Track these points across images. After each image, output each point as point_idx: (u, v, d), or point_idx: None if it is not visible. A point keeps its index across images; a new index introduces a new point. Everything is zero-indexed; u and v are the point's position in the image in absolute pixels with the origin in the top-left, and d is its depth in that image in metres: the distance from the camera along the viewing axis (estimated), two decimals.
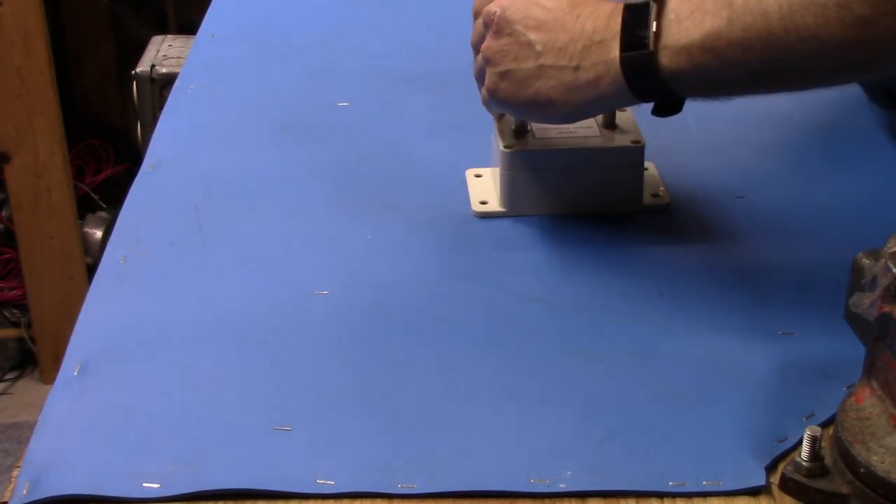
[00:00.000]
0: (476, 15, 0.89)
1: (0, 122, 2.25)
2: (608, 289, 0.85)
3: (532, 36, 0.82)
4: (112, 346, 0.79)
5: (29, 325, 2.48)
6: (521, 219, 0.93)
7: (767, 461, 0.69)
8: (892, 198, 0.95)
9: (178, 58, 1.60)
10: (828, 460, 0.66)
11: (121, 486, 0.67)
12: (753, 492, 0.67)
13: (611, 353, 0.78)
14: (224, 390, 0.75)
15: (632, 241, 0.90)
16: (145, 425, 0.72)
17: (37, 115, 2.25)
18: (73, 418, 0.73)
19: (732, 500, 0.67)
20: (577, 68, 0.80)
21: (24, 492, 0.67)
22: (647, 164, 0.94)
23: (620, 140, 0.92)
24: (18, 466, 0.69)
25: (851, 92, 1.07)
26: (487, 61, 0.85)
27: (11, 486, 0.68)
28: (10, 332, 2.53)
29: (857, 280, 0.67)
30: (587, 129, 0.93)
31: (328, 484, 0.68)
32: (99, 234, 2.51)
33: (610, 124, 0.93)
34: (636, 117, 0.94)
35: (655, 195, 0.95)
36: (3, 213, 2.48)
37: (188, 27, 2.45)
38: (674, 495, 0.67)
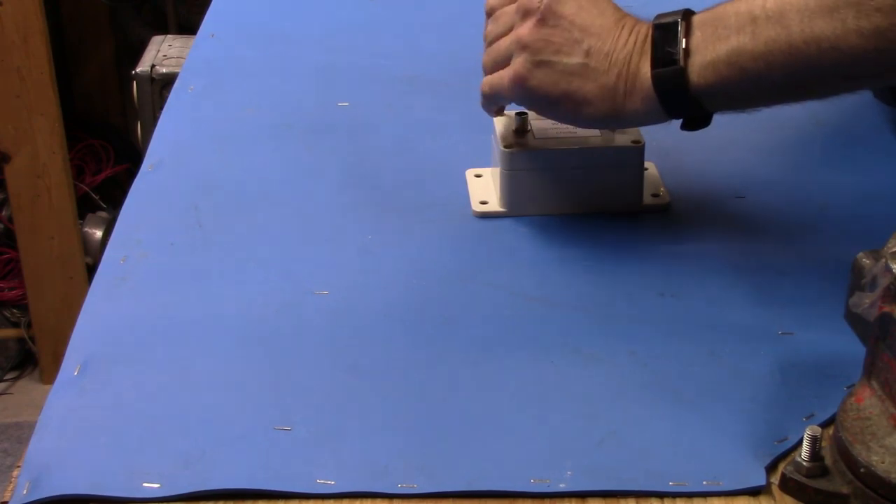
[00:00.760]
0: (492, 9, 0.89)
1: (0, 122, 2.25)
2: (608, 289, 0.85)
3: (579, 35, 0.82)
4: (112, 346, 0.79)
5: (29, 325, 2.48)
6: (521, 219, 0.93)
7: (767, 461, 0.69)
8: (893, 198, 0.95)
9: (178, 58, 1.61)
10: (828, 460, 0.66)
11: (121, 486, 0.67)
12: (753, 492, 0.67)
13: (611, 353, 0.78)
14: (224, 390, 0.75)
15: (632, 241, 0.90)
16: (145, 425, 0.72)
17: (37, 115, 2.25)
18: (73, 418, 0.73)
19: (732, 500, 0.67)
20: (618, 75, 0.81)
21: (25, 491, 0.67)
22: (647, 164, 0.94)
23: (620, 140, 0.92)
24: (18, 466, 0.69)
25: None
26: (524, 47, 0.84)
27: (11, 485, 0.68)
28: (10, 332, 2.53)
29: (857, 280, 0.67)
30: (587, 130, 0.93)
31: (328, 484, 0.68)
32: (99, 234, 2.51)
33: None
34: None
35: (655, 195, 0.95)
36: (3, 213, 2.48)
37: (188, 27, 2.46)
38: (674, 495, 0.67)
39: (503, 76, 0.86)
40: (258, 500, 0.67)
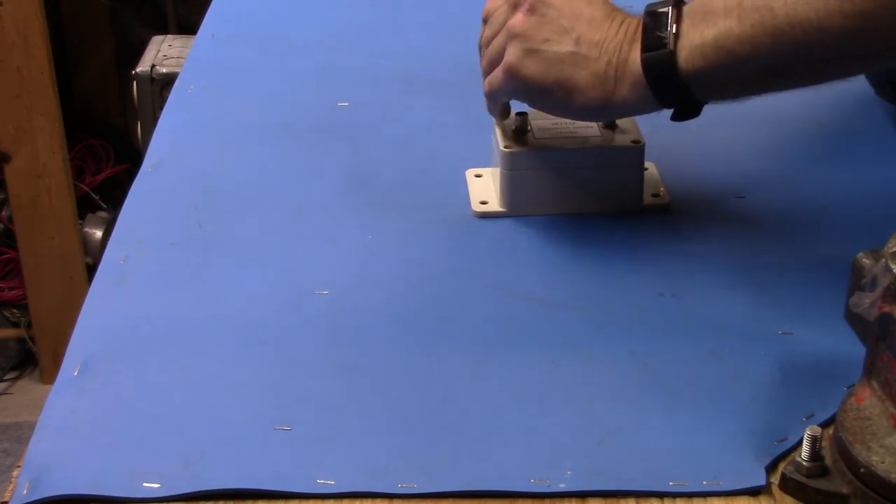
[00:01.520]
0: (488, 14, 0.89)
1: (0, 122, 2.25)
2: (608, 289, 0.85)
3: (568, 24, 0.83)
4: (112, 346, 0.79)
5: (29, 325, 2.48)
6: (521, 219, 0.93)
7: (767, 461, 0.69)
8: (893, 198, 0.95)
9: (178, 58, 1.61)
10: (828, 460, 0.66)
11: (121, 486, 0.67)
12: (753, 492, 0.67)
13: (611, 353, 0.78)
14: (224, 390, 0.75)
15: (632, 241, 0.90)
16: (145, 425, 0.72)
17: (37, 115, 2.25)
18: (73, 418, 0.73)
19: (732, 500, 0.67)
20: (608, 62, 0.82)
21: (25, 491, 0.67)
22: (647, 164, 0.94)
23: (620, 140, 0.92)
24: (18, 466, 0.69)
25: (854, 90, 1.07)
26: (514, 36, 0.84)
27: (12, 485, 0.68)
28: (10, 332, 2.53)
29: (857, 280, 0.67)
30: (587, 129, 0.93)
31: (328, 484, 0.68)
32: (99, 234, 2.51)
33: (610, 124, 0.93)
34: (636, 117, 0.94)
35: (655, 195, 0.95)
36: (3, 213, 2.48)
37: (188, 27, 2.45)
38: (674, 495, 0.67)
39: (497, 73, 0.86)
40: (258, 500, 0.67)
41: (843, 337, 0.71)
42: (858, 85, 1.06)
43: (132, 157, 2.65)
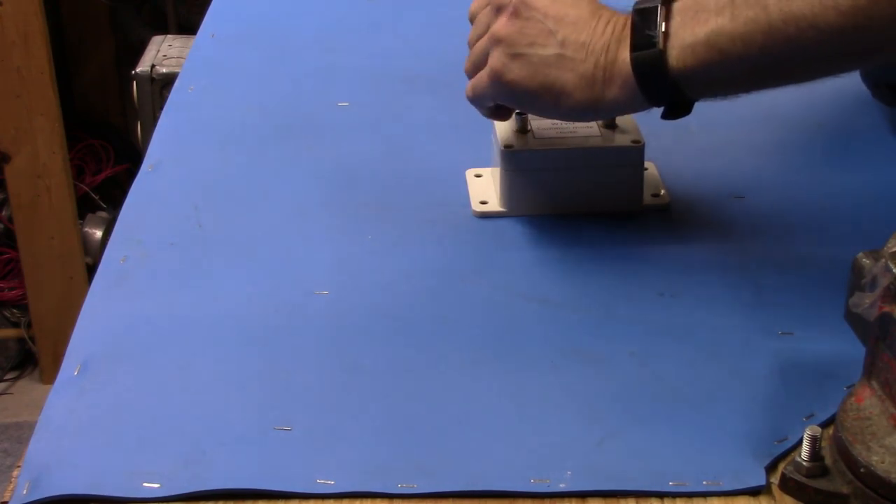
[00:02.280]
0: (473, 15, 0.89)
1: (0, 122, 2.25)
2: (608, 289, 0.85)
3: (553, 26, 0.82)
4: (112, 346, 0.79)
5: (29, 325, 2.48)
6: (521, 219, 0.93)
7: (767, 461, 0.69)
8: (893, 198, 0.95)
9: (178, 58, 1.61)
10: (828, 460, 0.66)
11: (121, 486, 0.67)
12: (753, 492, 0.67)
13: (611, 353, 0.78)
14: (224, 390, 0.75)
15: (632, 241, 0.90)
16: (145, 425, 0.72)
17: (37, 115, 2.25)
18: (73, 418, 0.73)
19: (732, 500, 0.67)
20: (595, 63, 0.81)
21: (25, 491, 0.67)
22: (647, 164, 0.94)
23: (620, 140, 0.92)
24: (18, 466, 0.69)
25: (853, 90, 1.07)
26: (498, 41, 0.84)
27: (11, 485, 0.68)
28: (10, 332, 2.53)
29: (857, 280, 0.67)
30: (587, 129, 0.93)
31: (328, 484, 0.68)
32: (99, 234, 2.51)
33: (610, 124, 0.93)
34: (636, 117, 0.94)
35: (655, 195, 0.95)
36: (3, 213, 2.48)
37: (188, 27, 2.46)
38: (674, 495, 0.67)
39: (482, 75, 0.86)
40: (258, 500, 0.67)
41: (843, 337, 0.71)
42: (857, 85, 1.06)
43: (132, 157, 2.65)
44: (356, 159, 1.02)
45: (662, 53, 0.78)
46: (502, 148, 0.91)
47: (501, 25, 0.84)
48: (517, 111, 0.92)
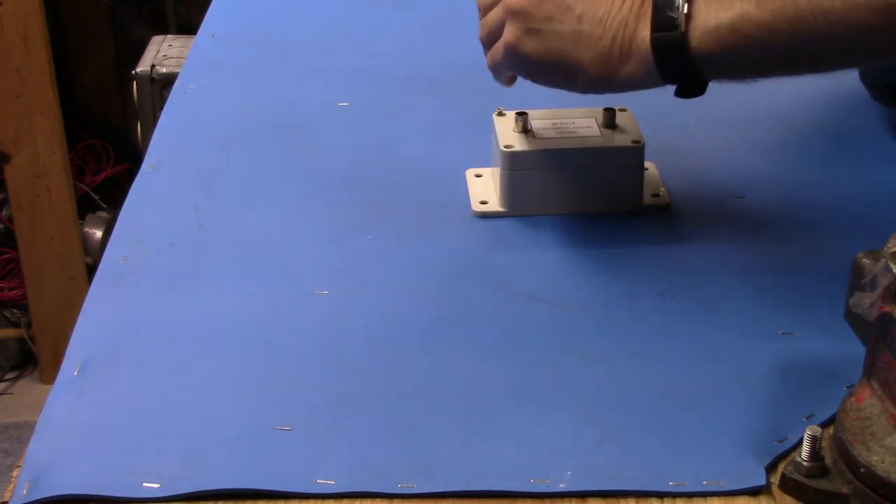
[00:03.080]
0: (482, 4, 0.87)
1: (0, 122, 2.25)
2: (608, 289, 0.85)
3: (570, 0, 0.81)
4: (112, 346, 0.79)
5: (29, 325, 2.48)
6: (521, 219, 0.93)
7: (767, 461, 0.69)
8: (893, 198, 0.95)
9: (178, 58, 1.61)
10: (828, 460, 0.66)
11: (121, 486, 0.67)
12: (753, 492, 0.67)
13: (611, 353, 0.78)
14: (224, 390, 0.75)
15: (632, 241, 0.90)
16: (145, 425, 0.72)
17: (37, 115, 2.25)
18: (73, 418, 0.73)
19: (732, 500, 0.67)
20: (612, 39, 0.80)
21: (25, 491, 0.67)
22: (647, 164, 0.94)
23: (620, 140, 0.92)
24: (18, 466, 0.69)
25: (853, 91, 1.07)
26: (514, 15, 0.82)
27: (11, 485, 0.68)
28: (10, 332, 2.53)
29: (857, 280, 0.67)
30: (587, 129, 0.93)
31: (328, 484, 0.68)
32: (99, 234, 2.51)
33: (610, 124, 0.93)
34: (636, 117, 0.94)
35: (655, 195, 0.95)
36: (3, 213, 2.48)
37: (188, 27, 2.45)
38: (674, 495, 0.67)
39: (497, 48, 0.85)
40: (258, 500, 0.67)
41: (843, 337, 0.71)
42: (857, 86, 1.06)
43: (132, 157, 2.65)
44: (356, 159, 1.02)
45: (684, 35, 0.77)
46: (502, 148, 0.91)
47: (516, 0, 0.82)
48: (517, 111, 0.92)
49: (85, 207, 2.56)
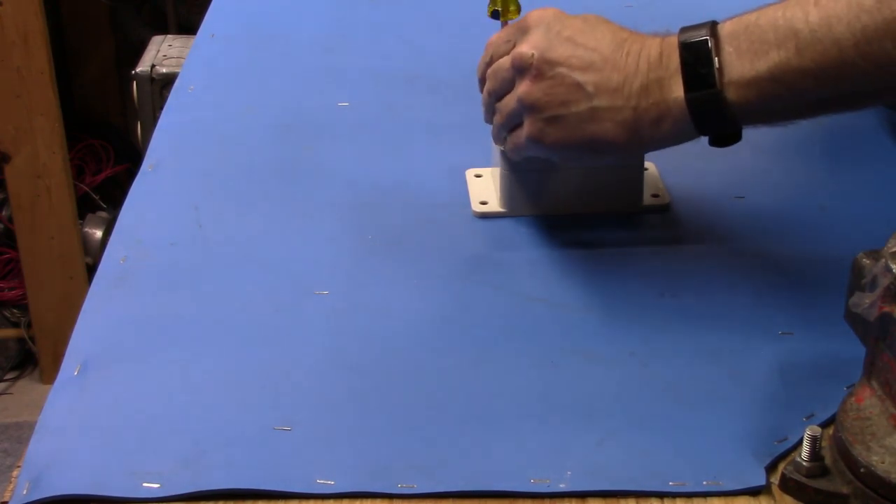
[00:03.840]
0: (493, 50, 0.85)
1: (0, 122, 2.25)
2: (608, 289, 0.85)
3: (580, 77, 0.79)
4: (112, 346, 0.79)
5: (29, 325, 2.48)
6: (521, 219, 0.93)
7: (767, 461, 0.69)
8: (892, 198, 0.95)
9: (178, 58, 1.61)
10: (828, 460, 0.66)
11: (121, 486, 0.67)
12: (753, 492, 0.67)
13: (611, 353, 0.78)
14: (224, 390, 0.75)
15: (632, 241, 0.90)
16: (145, 425, 0.72)
17: (37, 115, 2.25)
18: (73, 418, 0.73)
19: (732, 500, 0.67)
20: (635, 108, 0.78)
21: (25, 492, 0.67)
22: (647, 164, 0.94)
23: None
24: (18, 466, 0.69)
25: None
26: (530, 108, 0.81)
27: (11, 486, 0.68)
28: (10, 332, 2.53)
29: (857, 280, 0.67)
30: None
31: (328, 484, 0.68)
32: (99, 234, 2.51)
33: None
34: None
35: (655, 195, 0.95)
36: (3, 213, 2.48)
37: (188, 27, 2.46)
38: (674, 495, 0.67)
39: (520, 136, 0.83)
40: (258, 500, 0.67)
41: (843, 337, 0.71)
42: None
43: (132, 157, 2.65)
44: (356, 159, 1.02)
45: (720, 91, 0.75)
46: (502, 148, 0.91)
47: (528, 90, 0.80)
48: None
49: (85, 207, 2.56)
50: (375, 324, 0.81)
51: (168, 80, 1.55)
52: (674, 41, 0.77)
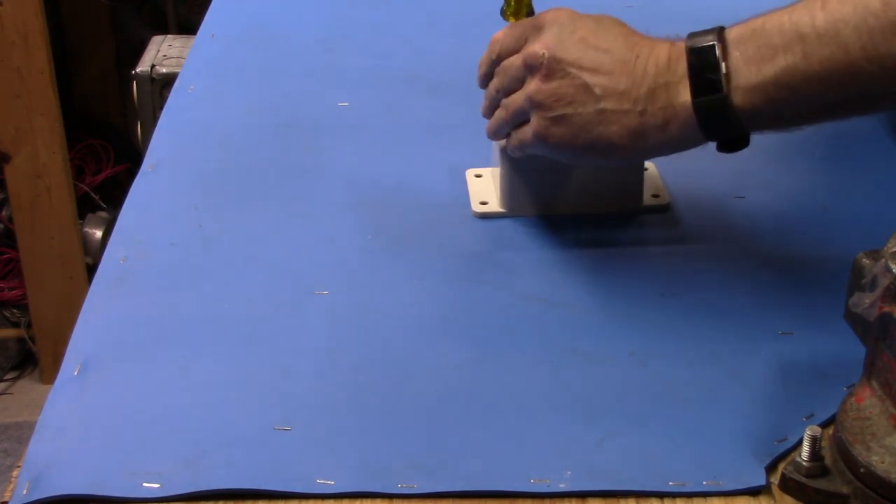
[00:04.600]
0: (501, 47, 0.85)
1: (0, 122, 2.25)
2: (608, 289, 0.85)
3: (589, 79, 0.79)
4: (112, 346, 0.79)
5: (29, 325, 2.48)
6: (521, 219, 0.93)
7: (767, 461, 0.69)
8: (892, 198, 0.95)
9: (178, 58, 1.61)
10: (828, 460, 0.66)
11: (121, 486, 0.67)
12: (753, 492, 0.67)
13: (611, 353, 0.78)
14: (224, 390, 0.75)
15: (632, 241, 0.90)
16: (145, 425, 0.72)
17: (37, 115, 2.25)
18: (73, 418, 0.73)
19: (732, 500, 0.67)
20: (642, 112, 0.78)
21: (25, 492, 0.67)
22: (647, 164, 0.94)
23: None
24: (18, 466, 0.69)
25: None
26: (538, 106, 0.81)
27: (11, 486, 0.68)
28: (10, 332, 2.53)
29: (857, 280, 0.67)
30: None
31: (328, 484, 0.68)
32: (99, 234, 2.51)
33: None
34: None
35: (655, 195, 0.95)
36: (3, 213, 2.48)
37: (188, 27, 2.46)
38: (674, 495, 0.67)
39: (526, 133, 0.84)
40: (258, 500, 0.67)
41: (843, 337, 0.71)
42: None
43: (132, 157, 2.65)
44: (356, 159, 1.02)
45: (727, 98, 0.75)
46: (502, 148, 0.91)
47: (537, 88, 0.81)
48: None
49: (85, 207, 2.56)
50: (375, 324, 0.81)
51: (168, 80, 1.55)
52: (682, 46, 0.78)
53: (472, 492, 0.67)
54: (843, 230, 0.91)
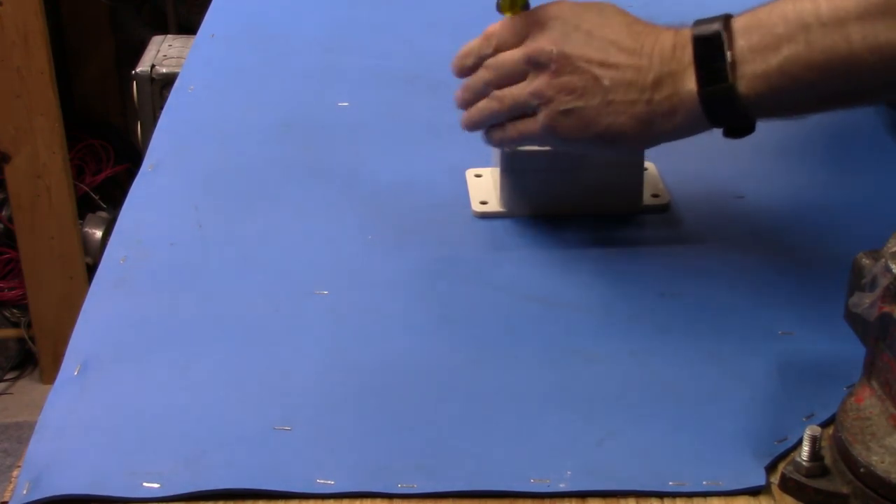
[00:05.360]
0: (497, 42, 0.85)
1: (0, 122, 2.25)
2: (608, 289, 0.85)
3: (597, 71, 0.80)
4: (112, 346, 0.79)
5: (29, 325, 2.48)
6: (521, 219, 0.93)
7: (767, 461, 0.69)
8: (892, 198, 0.95)
9: (178, 58, 1.61)
10: (828, 460, 0.66)
11: (121, 486, 0.67)
12: (753, 492, 0.67)
13: (611, 352, 0.78)
14: (224, 390, 0.75)
15: (632, 241, 0.90)
16: (145, 425, 0.72)
17: (37, 115, 2.25)
18: (73, 418, 0.73)
19: (732, 500, 0.67)
20: (649, 101, 0.79)
21: (25, 492, 0.67)
22: (647, 164, 0.94)
23: None
24: (18, 466, 0.69)
25: None
26: (547, 101, 0.81)
27: (11, 486, 0.68)
28: (10, 332, 2.53)
29: (857, 280, 0.67)
30: None
31: (328, 484, 0.68)
32: (99, 234, 2.51)
33: None
34: None
35: (655, 195, 0.95)
36: (3, 213, 2.48)
37: (188, 27, 2.45)
38: (674, 495, 0.67)
39: (532, 126, 0.84)
40: (258, 500, 0.67)
41: (843, 337, 0.71)
42: None
43: (132, 157, 2.65)
44: (356, 159, 1.02)
45: (733, 85, 0.76)
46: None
47: (547, 84, 0.81)
48: None
49: (85, 207, 2.56)
50: (375, 324, 0.81)
51: (168, 80, 1.55)
52: (687, 34, 0.78)
53: (472, 492, 0.67)
54: (843, 230, 0.91)
